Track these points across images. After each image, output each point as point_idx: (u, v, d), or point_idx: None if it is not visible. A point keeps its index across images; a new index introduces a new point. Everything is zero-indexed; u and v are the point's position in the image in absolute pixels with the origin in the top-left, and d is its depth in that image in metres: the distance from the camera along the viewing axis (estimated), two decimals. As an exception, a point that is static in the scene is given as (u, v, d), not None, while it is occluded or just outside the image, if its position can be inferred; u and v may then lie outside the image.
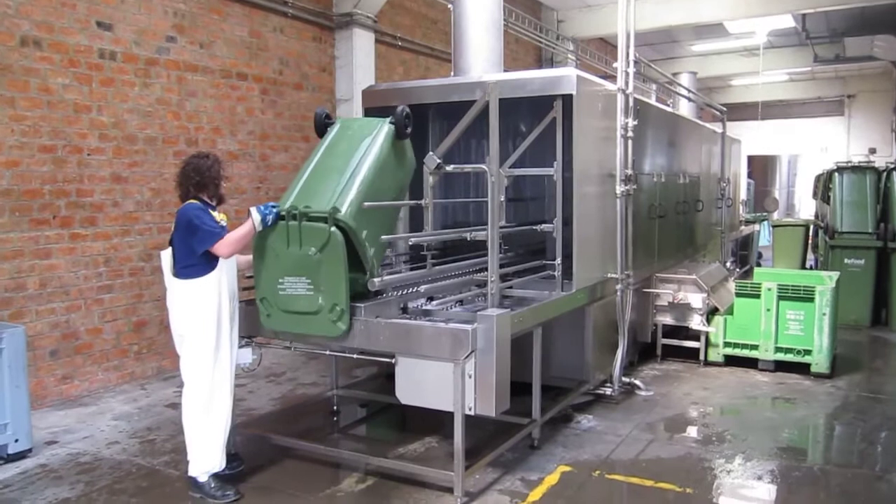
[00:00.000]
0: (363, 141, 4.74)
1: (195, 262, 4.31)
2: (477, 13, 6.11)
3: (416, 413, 4.96)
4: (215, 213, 4.46)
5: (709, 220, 10.48)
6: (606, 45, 16.39)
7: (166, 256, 4.43)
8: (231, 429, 5.05)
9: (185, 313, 4.35)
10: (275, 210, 4.37)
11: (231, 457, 4.68)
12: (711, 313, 7.54)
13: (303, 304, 4.36)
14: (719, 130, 10.97)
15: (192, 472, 4.47)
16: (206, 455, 4.43)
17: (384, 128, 4.80)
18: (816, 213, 14.37)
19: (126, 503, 4.42)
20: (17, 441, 5.03)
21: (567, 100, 5.61)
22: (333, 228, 4.24)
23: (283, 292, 4.41)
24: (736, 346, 7.51)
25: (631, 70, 6.36)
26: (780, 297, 7.25)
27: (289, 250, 4.33)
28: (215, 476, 4.47)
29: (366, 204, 4.46)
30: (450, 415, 4.25)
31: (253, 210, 4.34)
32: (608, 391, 6.36)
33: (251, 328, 4.83)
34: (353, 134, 4.86)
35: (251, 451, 5.12)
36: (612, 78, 6.45)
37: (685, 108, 12.53)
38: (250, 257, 4.62)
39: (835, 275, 8.06)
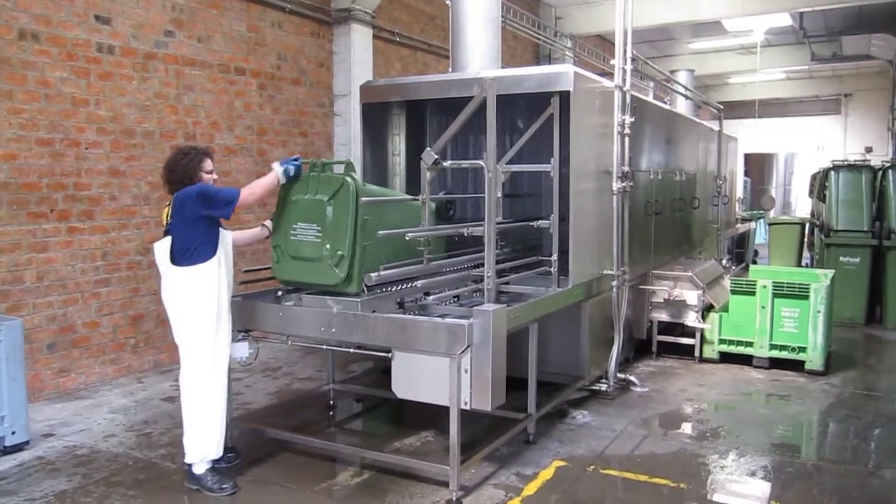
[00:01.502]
0: None
1: (197, 245, 4.35)
2: (475, 9, 6.12)
3: (413, 407, 4.98)
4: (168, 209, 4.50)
5: (705, 217, 10.51)
6: (604, 43, 16.40)
7: (162, 247, 4.42)
8: (228, 422, 5.07)
9: (186, 300, 4.36)
10: (296, 163, 4.67)
11: (227, 450, 4.70)
12: (707, 310, 7.57)
13: (309, 251, 4.60)
14: (716, 128, 10.99)
15: (189, 458, 4.47)
16: (205, 441, 4.44)
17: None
18: (812, 212, 14.41)
19: (123, 495, 4.43)
20: (14, 433, 5.04)
21: (564, 96, 5.62)
22: (347, 178, 4.55)
23: (294, 237, 4.69)
24: (731, 342, 7.54)
25: (628, 67, 6.38)
26: (775, 295, 7.28)
27: (306, 197, 4.65)
28: (212, 469, 4.48)
29: (364, 200, 4.64)
30: (446, 409, 4.28)
31: (275, 164, 4.63)
32: (603, 387, 6.39)
33: (248, 322, 4.85)
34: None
35: (247, 444, 5.14)
36: (609, 75, 6.47)
37: (682, 106, 12.57)
38: (249, 233, 5.05)
39: (830, 272, 8.09)
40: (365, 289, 4.66)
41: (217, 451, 4.50)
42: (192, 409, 4.46)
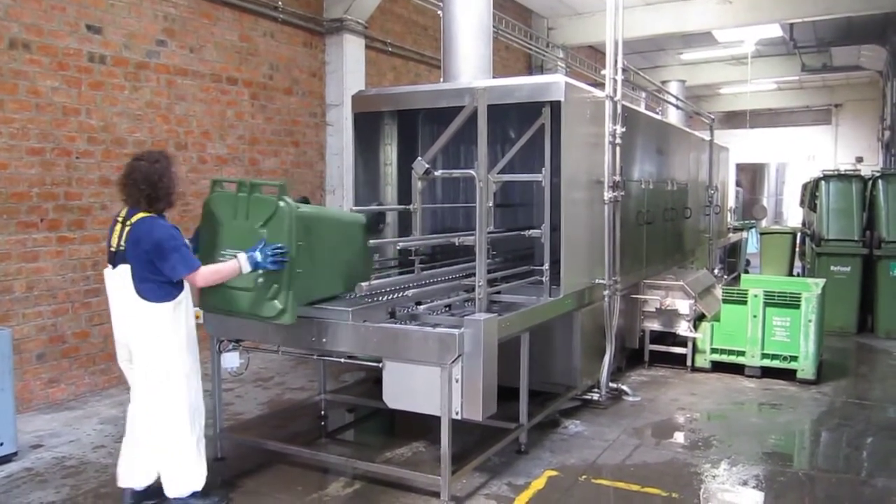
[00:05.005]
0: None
1: (163, 279, 3.96)
2: (466, 20, 6.14)
3: (404, 417, 4.97)
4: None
5: (697, 227, 10.54)
6: (596, 53, 16.48)
7: (120, 277, 3.96)
8: (217, 433, 5.05)
9: (157, 337, 3.99)
10: (272, 252, 4.08)
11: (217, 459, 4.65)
12: (699, 319, 7.58)
13: (241, 280, 4.14)
14: (707, 138, 11.04)
15: (177, 493, 4.17)
16: (193, 472, 4.18)
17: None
18: (804, 221, 14.48)
19: (111, 507, 4.40)
20: (2, 445, 5.00)
21: (555, 106, 5.64)
22: (281, 202, 4.14)
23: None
24: (723, 352, 7.55)
25: (619, 77, 6.41)
26: (766, 304, 7.30)
27: (235, 222, 4.22)
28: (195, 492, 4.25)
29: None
30: (437, 419, 4.26)
31: (242, 255, 4.07)
32: (595, 396, 6.38)
33: (239, 332, 4.83)
34: None
35: (238, 455, 5.12)
36: (601, 85, 6.49)
37: (674, 116, 12.62)
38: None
39: (821, 281, 8.12)
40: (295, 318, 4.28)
41: (203, 480, 4.23)
42: (179, 445, 4.13)
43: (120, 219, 4.05)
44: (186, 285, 4.08)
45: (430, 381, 4.23)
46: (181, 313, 4.05)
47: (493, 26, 6.98)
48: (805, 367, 7.19)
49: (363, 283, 4.62)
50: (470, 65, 6.14)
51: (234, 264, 4.07)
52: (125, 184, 4.02)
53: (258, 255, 4.06)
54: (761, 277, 10.44)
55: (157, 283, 3.94)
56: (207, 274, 4.04)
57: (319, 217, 4.66)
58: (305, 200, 4.76)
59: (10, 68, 5.97)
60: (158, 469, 4.19)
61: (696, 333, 7.51)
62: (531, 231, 5.72)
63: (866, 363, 8.50)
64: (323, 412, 6.09)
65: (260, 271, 4.12)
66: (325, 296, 4.65)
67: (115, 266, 4.01)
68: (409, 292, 4.89)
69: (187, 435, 4.14)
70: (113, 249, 4.03)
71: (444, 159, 7.20)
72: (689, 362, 7.67)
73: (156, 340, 3.99)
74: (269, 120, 8.55)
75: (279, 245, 4.09)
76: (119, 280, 3.97)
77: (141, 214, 3.97)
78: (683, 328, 7.48)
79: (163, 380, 4.04)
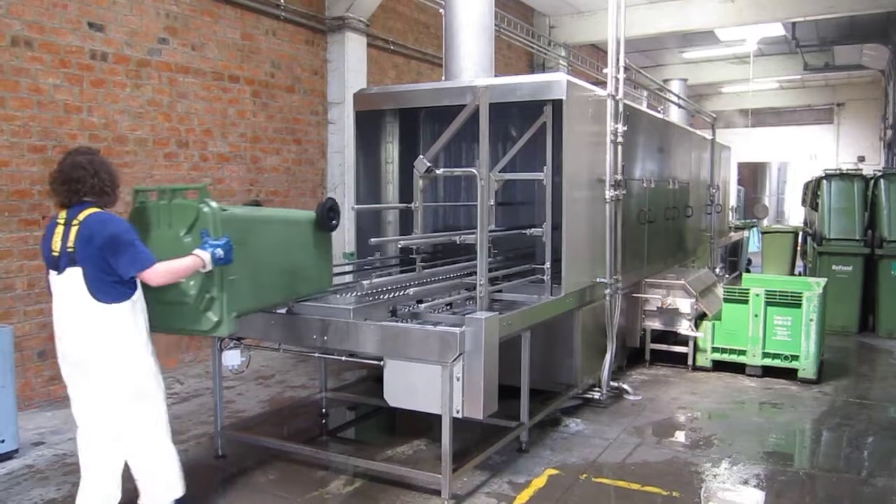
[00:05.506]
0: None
1: (116, 279, 3.60)
2: (468, 18, 6.14)
3: (405, 416, 4.98)
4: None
5: (698, 226, 10.54)
6: (598, 52, 16.47)
7: (72, 280, 3.58)
8: (218, 431, 5.06)
9: (118, 341, 3.65)
10: (223, 245, 3.72)
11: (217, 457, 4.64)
12: (700, 318, 7.58)
13: (173, 293, 3.80)
14: (709, 137, 11.03)
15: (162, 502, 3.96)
16: (175, 479, 3.96)
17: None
18: (805, 220, 14.47)
19: (113, 504, 4.40)
20: (3, 442, 5.01)
21: (557, 105, 5.64)
22: (203, 206, 3.78)
23: None
24: (724, 351, 7.55)
25: (621, 76, 6.40)
26: (767, 303, 7.29)
27: (159, 232, 3.86)
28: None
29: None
30: (438, 417, 4.26)
31: (199, 250, 3.69)
32: (596, 395, 6.38)
33: (240, 329, 4.82)
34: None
35: (239, 453, 5.12)
36: (602, 84, 6.49)
37: (675, 115, 12.61)
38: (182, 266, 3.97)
39: (822, 281, 8.11)
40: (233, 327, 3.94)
41: (182, 485, 4.00)
42: (158, 454, 3.87)
43: (61, 220, 3.65)
44: (140, 283, 3.71)
45: (431, 380, 4.23)
46: (139, 312, 3.72)
47: (495, 24, 6.97)
48: (806, 366, 7.18)
49: (364, 282, 4.62)
50: (472, 63, 6.14)
51: (193, 260, 3.65)
52: (67, 180, 3.64)
53: (217, 251, 3.70)
54: (762, 276, 10.44)
55: (111, 283, 3.58)
56: (163, 271, 3.60)
57: (254, 219, 4.25)
58: (257, 203, 4.60)
59: (12, 66, 5.98)
60: (138, 482, 3.91)
61: (698, 332, 7.50)
62: (532, 230, 5.72)
63: (867, 363, 8.49)
64: (324, 410, 6.10)
65: (192, 282, 3.76)
66: (272, 303, 4.40)
67: (60, 271, 3.60)
68: (411, 290, 4.90)
69: (165, 440, 3.89)
70: (56, 253, 3.60)
71: (445, 157, 7.21)
72: (690, 361, 7.66)
73: (118, 344, 3.64)
74: (271, 118, 8.55)
75: (224, 238, 3.75)
76: (69, 284, 3.58)
77: (90, 210, 3.61)
78: (684, 327, 7.48)
79: (131, 385, 3.70)
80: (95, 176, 3.65)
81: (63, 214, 3.66)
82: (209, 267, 3.67)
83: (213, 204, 3.82)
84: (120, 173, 3.86)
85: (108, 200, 3.73)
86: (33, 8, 6.10)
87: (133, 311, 3.68)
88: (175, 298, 3.81)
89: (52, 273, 3.66)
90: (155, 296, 3.79)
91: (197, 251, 3.67)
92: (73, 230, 3.57)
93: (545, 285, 5.64)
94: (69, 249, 3.55)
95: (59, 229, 3.63)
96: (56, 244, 3.61)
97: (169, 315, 3.88)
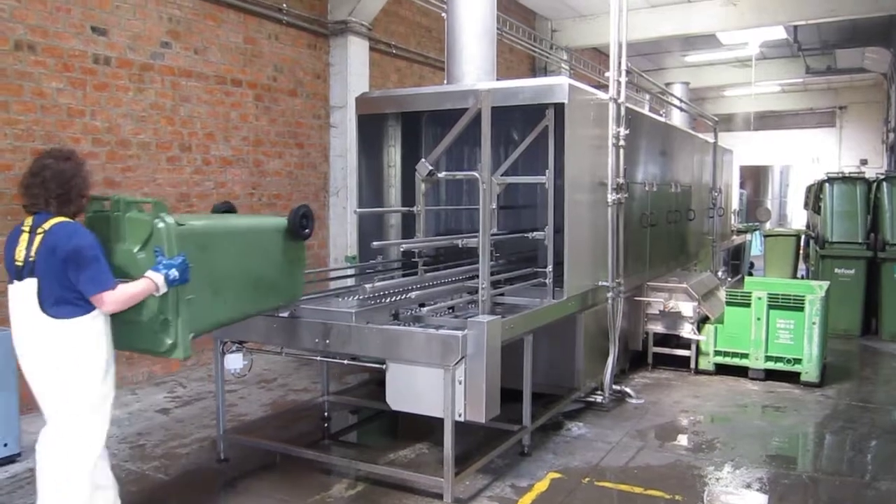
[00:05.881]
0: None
1: (76, 294, 3.39)
2: (470, 22, 6.15)
3: (407, 419, 4.97)
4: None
5: (700, 229, 10.53)
6: (600, 55, 16.48)
7: (25, 291, 3.40)
8: (221, 435, 5.06)
9: (72, 359, 3.42)
10: (178, 265, 3.48)
11: (221, 461, 4.64)
12: (702, 322, 7.57)
13: (130, 312, 3.55)
14: (711, 140, 11.03)
15: None
16: None
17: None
18: (808, 224, 14.45)
19: (115, 508, 4.40)
20: (6, 445, 5.01)
21: (559, 108, 5.64)
22: (158, 222, 3.53)
23: None
24: (726, 354, 7.54)
25: (623, 80, 6.40)
26: (770, 306, 7.28)
27: (114, 245, 3.60)
28: None
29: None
30: (440, 421, 4.26)
31: (152, 272, 3.44)
32: (599, 399, 6.37)
33: (242, 333, 4.83)
34: None
35: (241, 456, 5.12)
36: (604, 87, 6.49)
37: (678, 118, 12.61)
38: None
39: (825, 284, 8.10)
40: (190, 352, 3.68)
41: None
42: (81, 485, 3.53)
43: (26, 228, 3.46)
44: None
45: (434, 383, 4.23)
46: (98, 331, 3.48)
47: (497, 28, 6.99)
48: (809, 369, 7.17)
49: (367, 286, 4.62)
50: (474, 67, 6.14)
51: (145, 284, 3.42)
52: (30, 184, 3.45)
53: (172, 272, 3.45)
54: (765, 280, 10.44)
55: (71, 297, 3.38)
56: (118, 295, 3.39)
57: (216, 231, 3.98)
58: (229, 209, 4.41)
59: (16, 70, 5.99)
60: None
61: (700, 336, 7.50)
62: (535, 233, 5.72)
63: (870, 366, 8.47)
64: (326, 414, 6.09)
65: (147, 301, 3.51)
66: (236, 318, 4.12)
67: (20, 281, 3.43)
68: (413, 294, 4.91)
69: (85, 479, 3.54)
70: (19, 263, 3.42)
71: (447, 161, 7.21)
72: (692, 365, 7.66)
73: (65, 366, 3.42)
74: (273, 121, 8.56)
75: (180, 257, 3.51)
76: (22, 295, 3.41)
77: (56, 219, 3.42)
78: (687, 330, 7.48)
79: (71, 418, 3.47)
80: (43, 185, 3.42)
81: (29, 221, 3.49)
82: (163, 290, 3.44)
83: (169, 220, 3.56)
84: (87, 180, 3.57)
85: (71, 210, 3.50)
86: (37, 12, 6.13)
87: (90, 328, 3.44)
88: (131, 317, 3.57)
89: (14, 283, 3.47)
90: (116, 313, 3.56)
91: (149, 273, 3.43)
92: (38, 239, 3.40)
93: (547, 289, 5.64)
94: (31, 259, 3.38)
95: (24, 237, 3.45)
96: (19, 253, 3.44)
97: (128, 334, 3.65)
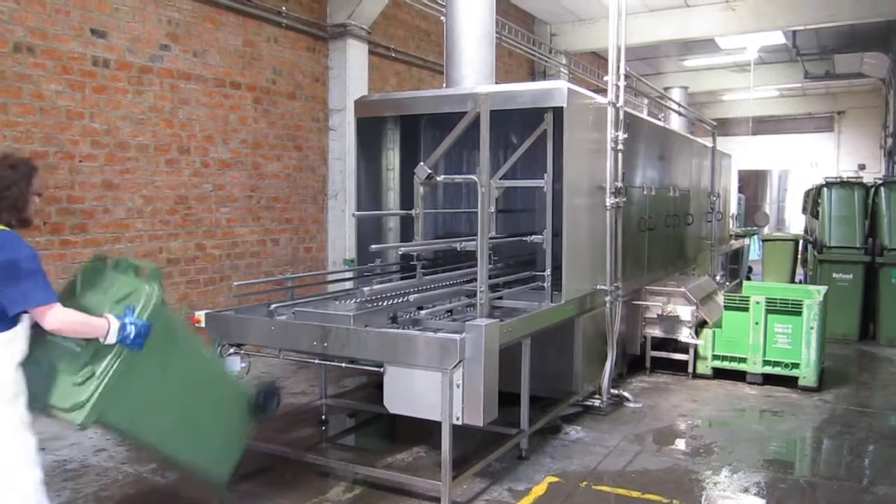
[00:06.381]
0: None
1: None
2: (469, 26, 6.16)
3: (405, 422, 4.96)
4: None
5: (699, 233, 10.54)
6: (599, 59, 16.51)
7: None
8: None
9: None
10: (142, 325, 3.23)
11: None
12: (700, 326, 7.58)
13: (54, 355, 3.25)
14: (710, 145, 11.04)
15: None
16: None
17: None
18: (806, 228, 14.47)
19: (112, 511, 4.40)
20: (3, 447, 4.98)
21: (558, 112, 5.65)
22: (147, 286, 3.37)
23: (50, 338, 3.24)
24: (724, 358, 7.54)
25: (622, 84, 6.41)
26: (768, 311, 7.29)
27: (94, 294, 3.44)
28: None
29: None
30: (438, 424, 4.26)
31: (112, 318, 3.19)
32: (597, 402, 6.37)
33: (240, 336, 4.83)
34: None
35: (239, 459, 5.10)
36: (603, 91, 6.51)
37: (676, 123, 12.63)
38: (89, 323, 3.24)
39: (823, 289, 8.11)
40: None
41: None
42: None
43: None
44: (24, 322, 3.11)
45: (432, 386, 4.23)
46: (17, 351, 3.08)
47: (496, 32, 7.00)
48: (807, 374, 7.17)
49: (365, 289, 4.62)
50: (473, 70, 6.15)
51: (100, 322, 3.15)
52: None
53: (129, 328, 3.19)
54: (763, 284, 10.46)
55: None
56: (68, 314, 3.10)
57: (188, 335, 3.78)
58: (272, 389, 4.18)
59: (15, 72, 6.00)
60: None
61: (698, 340, 7.50)
62: (533, 237, 5.72)
63: (868, 371, 8.48)
64: (324, 417, 6.09)
65: (86, 342, 3.20)
66: (143, 440, 3.62)
67: None
68: (411, 297, 4.91)
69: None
70: None
71: (446, 164, 7.22)
72: (690, 369, 7.65)
73: None
74: (272, 124, 8.57)
75: (146, 323, 3.24)
76: None
77: None
78: (685, 335, 7.48)
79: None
80: (2, 196, 3.12)
81: None
82: (112, 338, 3.15)
83: (157, 289, 3.38)
84: (25, 193, 3.22)
85: (5, 218, 3.16)
86: (36, 14, 6.13)
87: (10, 346, 3.04)
88: (52, 360, 3.23)
89: None
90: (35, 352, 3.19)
91: (108, 315, 3.19)
92: None
93: (545, 292, 5.64)
94: None
95: None
96: None
97: (38, 379, 3.19)
